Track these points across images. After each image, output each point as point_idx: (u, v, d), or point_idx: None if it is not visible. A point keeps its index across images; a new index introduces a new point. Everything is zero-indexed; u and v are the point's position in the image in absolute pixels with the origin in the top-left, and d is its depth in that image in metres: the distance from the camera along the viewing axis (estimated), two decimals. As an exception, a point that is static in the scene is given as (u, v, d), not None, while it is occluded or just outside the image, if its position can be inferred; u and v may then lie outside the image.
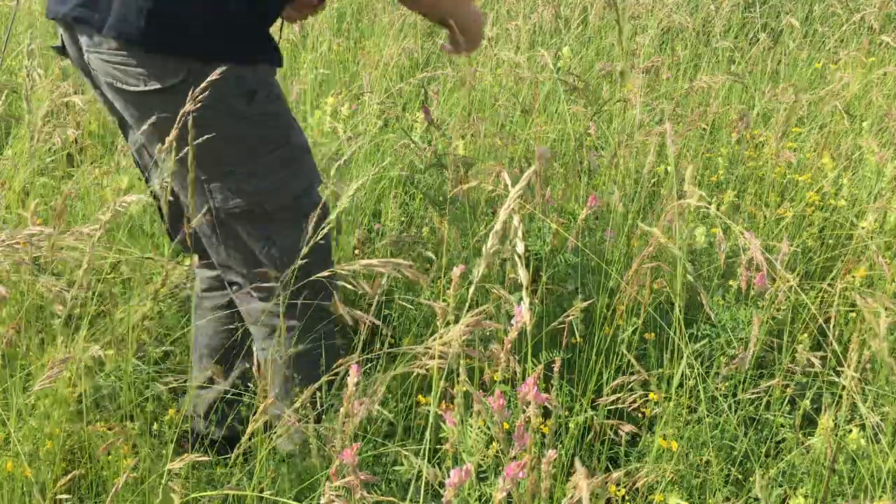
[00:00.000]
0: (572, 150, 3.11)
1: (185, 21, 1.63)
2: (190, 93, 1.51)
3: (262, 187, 1.75)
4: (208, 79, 1.51)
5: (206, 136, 1.59)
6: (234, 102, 1.69)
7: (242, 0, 1.66)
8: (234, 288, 1.87)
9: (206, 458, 1.43)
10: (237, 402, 1.95)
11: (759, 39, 4.20)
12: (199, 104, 1.52)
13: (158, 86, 1.63)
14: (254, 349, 1.85)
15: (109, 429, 1.71)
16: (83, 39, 1.68)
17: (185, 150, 1.56)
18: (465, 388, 1.35)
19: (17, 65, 3.98)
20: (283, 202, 1.74)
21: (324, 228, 1.57)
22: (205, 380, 2.04)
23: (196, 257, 2.04)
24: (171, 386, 1.83)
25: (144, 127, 1.62)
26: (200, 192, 1.75)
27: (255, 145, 1.74)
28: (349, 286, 1.60)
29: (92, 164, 3.20)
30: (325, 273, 1.61)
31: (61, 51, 1.81)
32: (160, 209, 1.95)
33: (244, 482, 1.70)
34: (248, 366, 1.79)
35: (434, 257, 2.20)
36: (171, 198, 1.68)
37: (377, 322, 1.64)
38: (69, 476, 1.50)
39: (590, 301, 1.94)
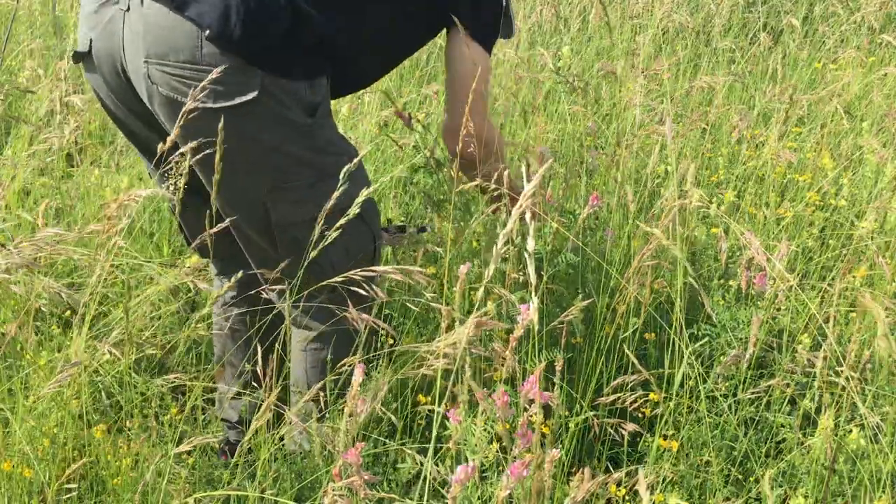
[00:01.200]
0: (572, 150, 3.12)
1: (269, 30, 1.65)
2: (258, 112, 1.55)
3: (321, 196, 1.75)
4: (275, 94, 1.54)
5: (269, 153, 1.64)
6: (298, 118, 1.71)
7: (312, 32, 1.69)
8: (279, 295, 1.87)
9: (211, 439, 1.43)
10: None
11: (759, 39, 4.21)
12: (261, 123, 1.57)
13: (227, 103, 1.63)
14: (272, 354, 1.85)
15: (109, 430, 1.71)
16: (140, 47, 1.66)
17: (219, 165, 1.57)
18: (468, 387, 1.35)
19: (17, 65, 3.98)
20: (342, 206, 1.69)
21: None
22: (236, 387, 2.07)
23: (212, 264, 2.06)
24: (172, 385, 1.83)
25: (193, 144, 1.59)
26: (253, 206, 1.76)
27: (315, 156, 1.76)
28: (362, 291, 1.59)
29: (92, 164, 3.20)
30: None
31: (82, 56, 1.79)
32: (181, 226, 1.98)
33: (245, 482, 1.70)
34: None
35: (440, 251, 2.20)
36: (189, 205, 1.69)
37: (381, 324, 1.64)
38: (67, 473, 1.50)
39: (589, 300, 1.94)
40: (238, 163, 1.67)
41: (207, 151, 1.57)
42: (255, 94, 1.63)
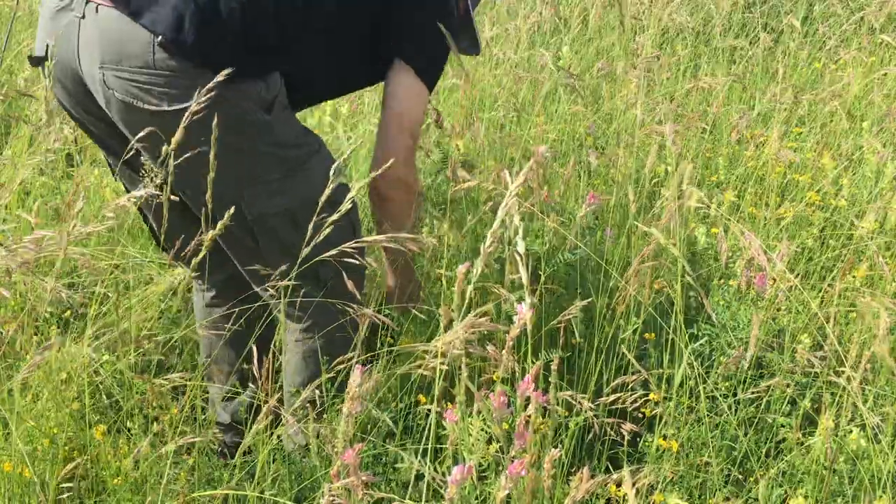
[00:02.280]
0: (572, 150, 3.12)
1: (222, 34, 1.65)
2: (215, 115, 1.55)
3: (292, 187, 1.78)
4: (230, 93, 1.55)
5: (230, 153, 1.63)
6: (255, 116, 1.72)
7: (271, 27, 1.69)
8: (266, 293, 1.87)
9: (203, 439, 1.43)
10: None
11: (759, 39, 4.20)
12: (223, 125, 1.56)
13: (181, 106, 1.63)
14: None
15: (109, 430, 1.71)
16: (95, 54, 1.67)
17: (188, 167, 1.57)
18: (465, 387, 1.35)
19: (17, 65, 3.98)
20: (314, 196, 1.70)
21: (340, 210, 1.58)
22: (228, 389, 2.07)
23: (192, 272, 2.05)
24: (172, 384, 1.82)
25: (166, 147, 1.60)
26: (227, 204, 1.74)
27: (279, 150, 1.77)
28: (353, 261, 1.61)
29: (92, 164, 3.19)
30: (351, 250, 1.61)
31: (39, 61, 1.80)
32: (152, 228, 1.97)
33: (245, 482, 1.70)
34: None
35: (436, 243, 2.19)
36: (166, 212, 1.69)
37: (382, 319, 1.64)
38: (65, 471, 1.50)
39: (587, 299, 1.95)
40: (201, 165, 1.65)
41: (171, 155, 1.59)
42: (208, 95, 1.62)
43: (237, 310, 1.96)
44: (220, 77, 1.57)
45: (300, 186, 1.79)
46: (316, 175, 1.75)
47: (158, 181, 1.62)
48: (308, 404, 1.70)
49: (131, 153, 1.71)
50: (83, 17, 1.68)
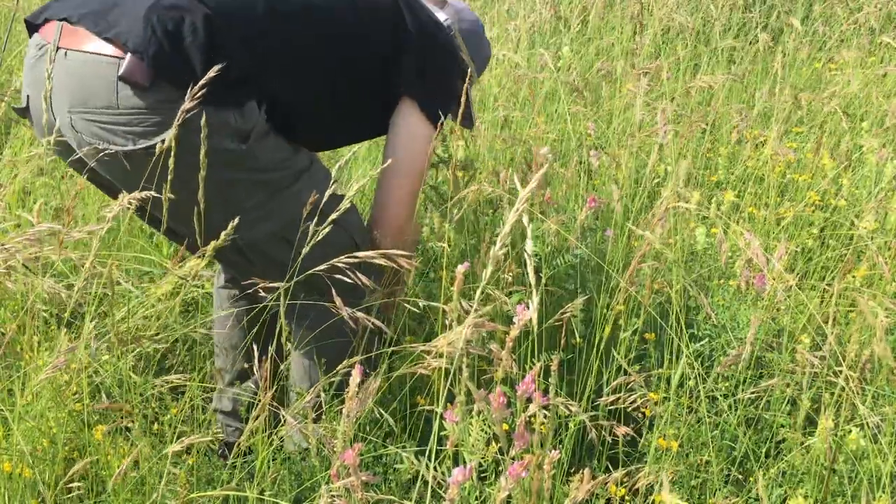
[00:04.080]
0: (572, 150, 3.12)
1: (188, 57, 1.62)
2: (184, 147, 1.54)
3: (280, 210, 1.76)
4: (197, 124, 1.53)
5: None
6: (230, 146, 1.68)
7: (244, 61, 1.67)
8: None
9: (202, 438, 1.43)
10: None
11: (758, 39, 4.20)
12: (193, 161, 1.55)
13: (147, 143, 1.62)
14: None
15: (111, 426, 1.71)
16: (64, 98, 1.66)
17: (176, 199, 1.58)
18: (466, 387, 1.35)
19: (17, 65, 3.98)
20: (311, 215, 1.68)
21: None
22: (230, 380, 2.10)
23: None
24: (172, 384, 1.83)
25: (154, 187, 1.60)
26: (215, 232, 1.72)
27: (260, 175, 1.75)
28: (347, 280, 1.60)
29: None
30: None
31: (24, 112, 1.80)
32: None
33: (244, 482, 1.70)
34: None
35: (442, 247, 2.20)
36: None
37: (379, 324, 1.64)
38: (70, 474, 1.50)
39: (584, 297, 1.95)
40: (183, 198, 1.63)
41: (151, 193, 1.57)
42: (173, 131, 1.58)
43: (249, 306, 1.99)
44: (187, 104, 1.53)
45: (287, 207, 1.75)
46: (305, 194, 1.70)
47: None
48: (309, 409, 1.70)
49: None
50: (52, 62, 1.67)
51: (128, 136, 1.63)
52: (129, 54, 1.60)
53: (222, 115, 1.64)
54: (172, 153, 1.56)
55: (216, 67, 1.57)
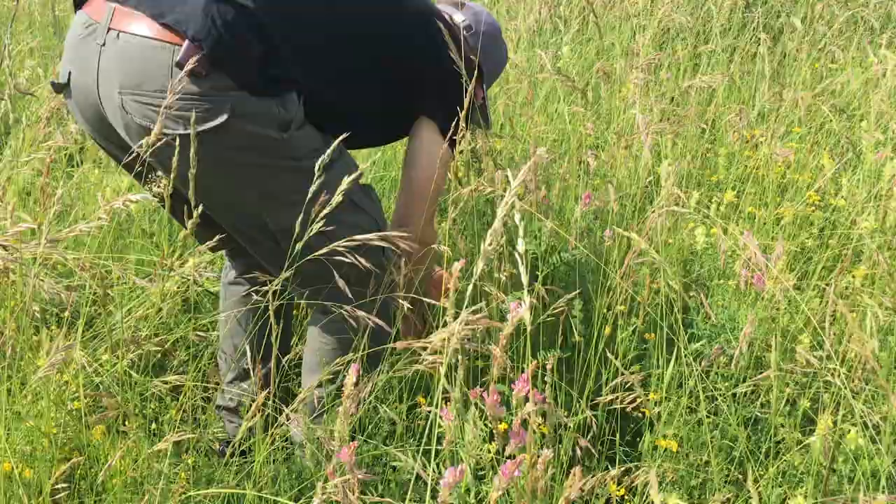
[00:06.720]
0: (572, 150, 3.11)
1: (239, 60, 1.69)
2: (230, 134, 1.64)
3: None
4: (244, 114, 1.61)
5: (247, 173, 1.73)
6: (271, 134, 1.75)
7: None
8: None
9: (193, 437, 1.43)
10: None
11: (758, 39, 4.20)
12: (238, 146, 1.66)
13: (199, 128, 1.67)
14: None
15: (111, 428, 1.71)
16: (114, 79, 1.70)
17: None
18: (461, 386, 1.35)
19: (17, 65, 3.98)
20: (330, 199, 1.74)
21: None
22: (233, 377, 2.13)
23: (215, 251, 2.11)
24: (171, 385, 1.83)
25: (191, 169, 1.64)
26: (248, 217, 1.85)
27: (297, 163, 1.79)
28: (345, 259, 1.65)
29: (92, 163, 3.20)
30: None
31: (61, 88, 1.84)
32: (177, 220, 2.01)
33: (244, 481, 1.70)
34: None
35: (448, 250, 2.20)
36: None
37: (378, 322, 1.64)
38: (62, 471, 1.50)
39: (578, 293, 1.95)
40: (221, 182, 1.74)
41: (189, 175, 1.64)
42: (225, 117, 1.67)
43: (251, 291, 2.02)
44: (234, 93, 1.62)
45: (319, 193, 1.80)
46: (337, 180, 1.75)
47: (168, 192, 1.69)
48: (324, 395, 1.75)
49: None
50: (104, 44, 1.72)
51: (178, 120, 1.67)
52: (186, 41, 1.65)
53: (266, 104, 1.72)
54: (218, 139, 1.64)
55: (265, 60, 1.68)
